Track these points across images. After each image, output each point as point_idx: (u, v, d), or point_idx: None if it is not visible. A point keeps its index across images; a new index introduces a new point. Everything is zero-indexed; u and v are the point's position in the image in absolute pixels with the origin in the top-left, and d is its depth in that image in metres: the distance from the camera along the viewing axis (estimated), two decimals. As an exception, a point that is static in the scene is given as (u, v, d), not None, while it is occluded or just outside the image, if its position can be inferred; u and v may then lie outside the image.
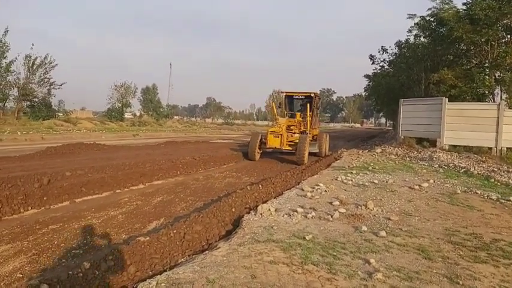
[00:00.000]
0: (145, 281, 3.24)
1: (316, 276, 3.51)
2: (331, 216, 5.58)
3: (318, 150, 15.59)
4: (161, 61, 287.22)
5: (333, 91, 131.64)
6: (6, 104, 35.02)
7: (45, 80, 34.71)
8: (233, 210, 6.05)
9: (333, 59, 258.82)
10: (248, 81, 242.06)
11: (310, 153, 14.55)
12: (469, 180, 9.72)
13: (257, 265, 3.68)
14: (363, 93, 39.98)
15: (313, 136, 16.10)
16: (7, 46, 31.17)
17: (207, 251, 4.19)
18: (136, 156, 12.75)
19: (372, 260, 3.89)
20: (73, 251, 4.50)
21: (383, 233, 4.84)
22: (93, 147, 14.98)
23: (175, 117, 69.40)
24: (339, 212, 5.84)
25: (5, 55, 31.25)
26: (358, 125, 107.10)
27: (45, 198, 6.70)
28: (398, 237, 4.81)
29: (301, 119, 15.58)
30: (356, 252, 4.21)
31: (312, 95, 16.19)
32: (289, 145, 14.13)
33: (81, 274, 3.21)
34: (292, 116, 16.01)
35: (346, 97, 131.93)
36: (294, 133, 14.89)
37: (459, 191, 8.11)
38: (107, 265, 3.43)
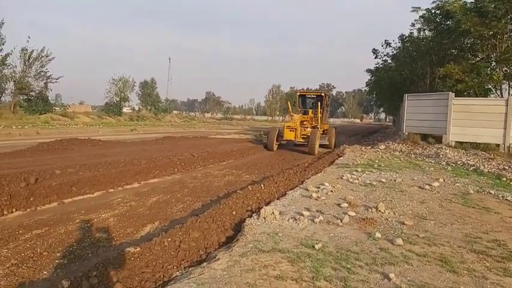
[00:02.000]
0: (134, 302, 2.79)
1: (330, 295, 3.07)
2: (341, 221, 5.13)
3: (328, 143, 17.64)
4: (161, 55, 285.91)
5: (333, 86, 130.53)
6: (2, 97, 34.55)
7: (42, 73, 34.25)
8: (234, 213, 5.59)
9: (333, 53, 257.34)
10: (248, 75, 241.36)
11: (321, 145, 16.62)
12: (480, 179, 9.27)
13: (262, 281, 3.23)
14: (364, 88, 39.44)
15: (323, 130, 18.07)
16: (3, 39, 30.61)
17: (205, 263, 3.73)
18: (132, 152, 12.27)
19: (391, 275, 3.44)
20: (56, 262, 4.05)
21: (399, 241, 4.38)
22: (87, 142, 14.48)
23: (173, 111, 68.81)
24: (349, 215, 5.39)
25: (0, 48, 30.68)
26: (357, 120, 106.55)
27: (31, 198, 6.24)
28: (417, 246, 4.36)
29: (312, 115, 17.90)
30: (372, 264, 3.76)
31: (323, 94, 18.79)
32: (303, 138, 16.16)
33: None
34: (305, 113, 18.38)
35: (345, 92, 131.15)
36: (307, 127, 16.97)
37: (472, 191, 7.66)
38: (89, 283, 2.97)
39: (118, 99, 47.94)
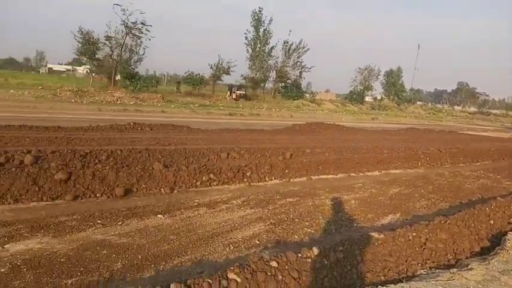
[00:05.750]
0: (377, 288, 2.79)
1: None
2: None
3: None
4: (409, 42, 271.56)
5: None
6: (266, 84, 41.15)
7: (298, 63, 38.51)
8: (491, 222, 4.78)
9: None
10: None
11: None
12: None
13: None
14: None
15: None
16: (270, 34, 36.24)
17: (454, 269, 3.35)
18: (374, 140, 12.31)
19: None
20: (305, 229, 4.50)
21: None
22: (332, 127, 15.47)
23: (417, 102, 64.69)
24: None
25: (268, 41, 36.47)
26: None
27: (286, 171, 7.14)
28: None
29: None
30: None
31: None
32: None
33: (309, 260, 3.06)
34: None
35: None
36: None
37: None
38: (335, 256, 3.16)
39: (362, 88, 48.89)
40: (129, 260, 3.32)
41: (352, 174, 7.78)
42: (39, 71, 74.65)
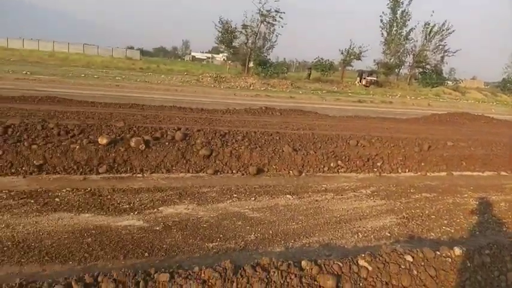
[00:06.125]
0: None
1: None
2: None
3: None
4: None
5: None
6: (400, 70, 38.40)
7: (440, 47, 34.75)
8: None
9: None
10: None
11: None
12: None
13: None
14: None
15: None
16: (409, 15, 33.50)
17: None
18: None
19: None
20: (442, 228, 4.14)
21: None
22: (480, 119, 13.66)
23: None
24: None
25: (406, 24, 33.82)
26: None
27: (422, 163, 6.63)
28: None
29: None
30: None
31: None
32: None
33: (449, 259, 2.80)
34: None
35: None
36: None
37: None
38: (481, 259, 2.82)
39: (518, 75, 41.86)
40: (261, 233, 3.54)
41: (503, 173, 6.82)
42: (184, 59, 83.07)
